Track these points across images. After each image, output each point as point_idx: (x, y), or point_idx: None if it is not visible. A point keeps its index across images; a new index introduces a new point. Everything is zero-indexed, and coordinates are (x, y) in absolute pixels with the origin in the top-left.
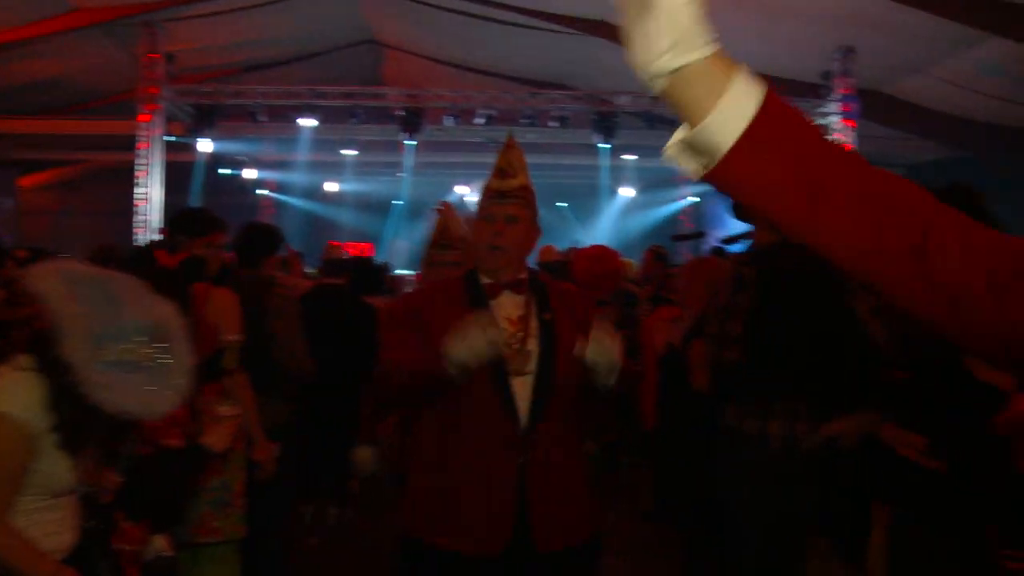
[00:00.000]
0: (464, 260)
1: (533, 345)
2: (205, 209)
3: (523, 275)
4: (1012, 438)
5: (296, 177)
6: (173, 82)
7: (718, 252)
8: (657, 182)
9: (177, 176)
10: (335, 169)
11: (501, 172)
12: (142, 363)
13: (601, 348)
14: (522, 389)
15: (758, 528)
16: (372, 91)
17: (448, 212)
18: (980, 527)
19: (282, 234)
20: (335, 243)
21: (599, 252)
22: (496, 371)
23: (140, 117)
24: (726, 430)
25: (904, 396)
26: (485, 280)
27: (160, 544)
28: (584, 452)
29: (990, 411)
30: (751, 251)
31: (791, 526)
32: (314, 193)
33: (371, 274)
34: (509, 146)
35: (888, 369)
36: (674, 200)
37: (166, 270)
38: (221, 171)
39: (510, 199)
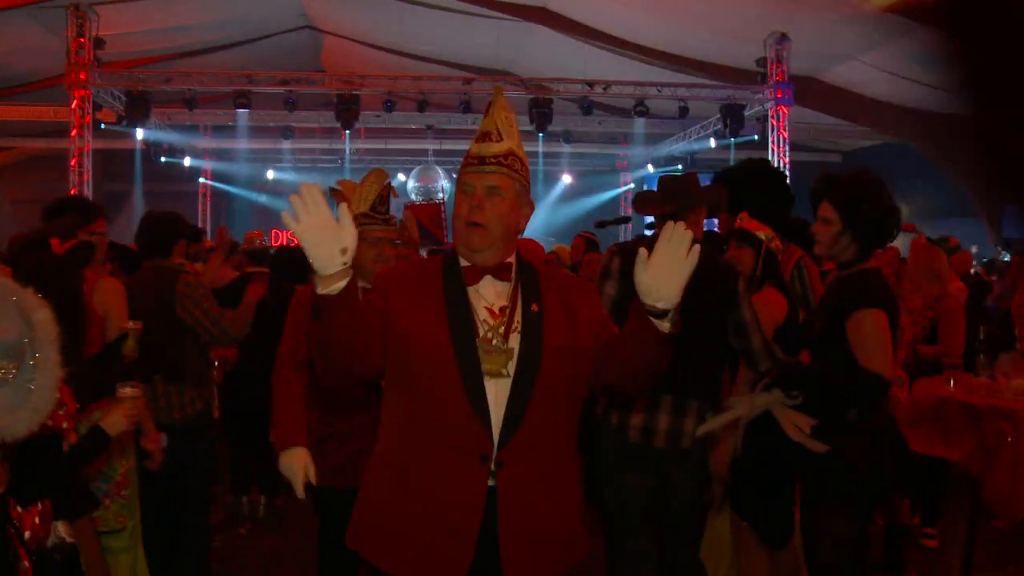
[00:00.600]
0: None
1: (516, 342)
2: (85, 197)
3: (509, 259)
4: (904, 423)
5: (236, 166)
6: (103, 68)
7: (588, 238)
8: (596, 169)
9: (117, 164)
10: (276, 157)
11: (483, 135)
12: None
13: (664, 268)
14: (498, 393)
15: (627, 516)
16: (306, 77)
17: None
18: (868, 508)
19: (184, 222)
20: (256, 232)
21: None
22: (468, 370)
23: (71, 104)
24: (597, 422)
25: (803, 379)
26: (464, 263)
27: (61, 530)
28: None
29: (877, 397)
30: (623, 242)
31: (658, 514)
32: (255, 182)
33: (296, 261)
34: (494, 104)
35: (795, 350)
36: (614, 186)
37: (54, 258)
38: (164, 159)
39: (492, 167)
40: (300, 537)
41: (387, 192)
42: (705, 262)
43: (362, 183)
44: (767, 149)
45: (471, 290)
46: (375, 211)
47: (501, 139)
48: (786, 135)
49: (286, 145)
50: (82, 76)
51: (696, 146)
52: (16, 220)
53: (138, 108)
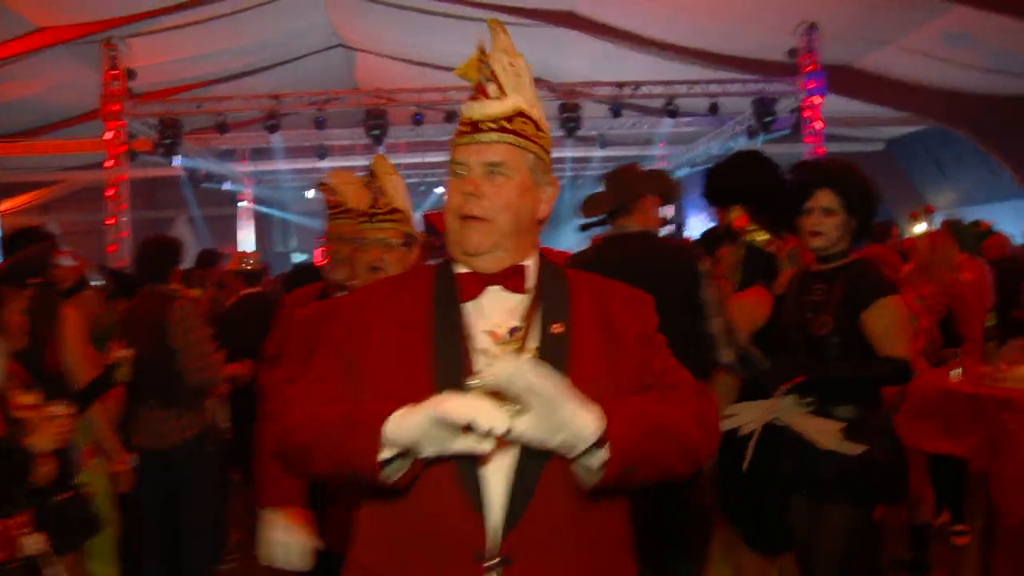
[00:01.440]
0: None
1: None
2: (39, 227)
3: (526, 260)
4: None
5: (276, 188)
6: (138, 98)
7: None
8: None
9: (162, 191)
10: (316, 177)
11: (477, 90)
12: None
13: (537, 410)
14: (499, 459)
15: None
16: (333, 95)
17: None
18: (874, 502)
19: (181, 247)
20: (243, 252)
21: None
22: None
23: (105, 135)
24: None
25: (830, 377)
26: (461, 270)
27: (27, 546)
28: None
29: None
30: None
31: (655, 524)
32: (296, 203)
33: (304, 276)
34: (492, 47)
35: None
36: None
37: None
38: (204, 185)
39: (491, 135)
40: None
41: (384, 184)
42: (661, 247)
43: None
44: (801, 141)
45: (469, 307)
46: (371, 208)
47: (503, 94)
48: (820, 126)
49: (324, 164)
50: (115, 108)
51: (733, 143)
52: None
53: (170, 136)
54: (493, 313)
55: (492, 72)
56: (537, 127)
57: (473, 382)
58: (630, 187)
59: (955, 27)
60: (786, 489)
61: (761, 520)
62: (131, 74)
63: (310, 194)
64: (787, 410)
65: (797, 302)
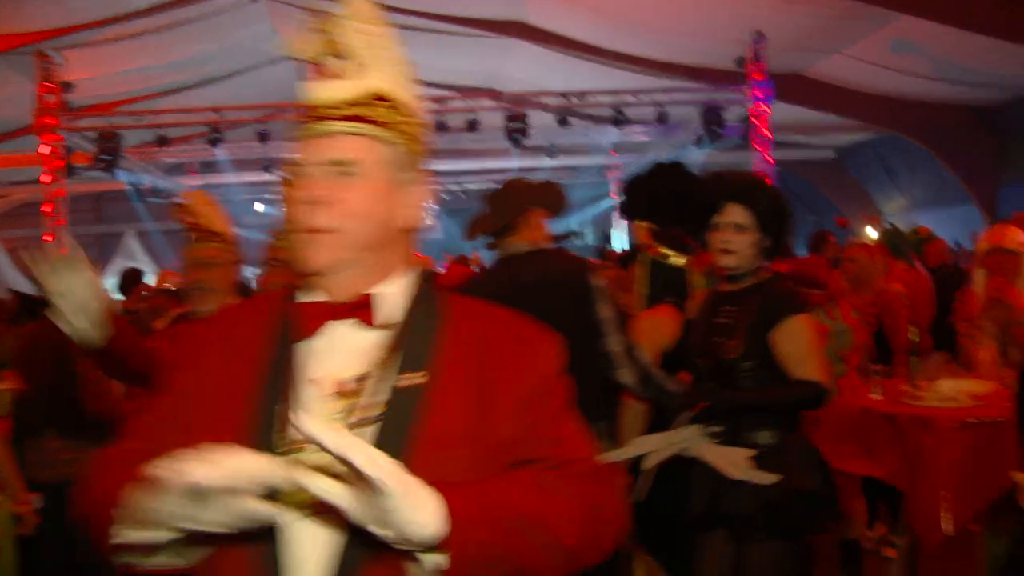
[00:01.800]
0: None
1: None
2: None
3: (387, 285)
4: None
5: (224, 202)
6: (75, 112)
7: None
8: (586, 182)
9: (107, 206)
10: (265, 190)
11: (319, 67)
12: None
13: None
14: (317, 551)
15: None
16: (277, 107)
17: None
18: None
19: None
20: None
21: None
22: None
23: (40, 149)
24: None
25: (739, 405)
26: (312, 297)
27: None
28: None
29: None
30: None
31: None
32: (244, 215)
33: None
34: (345, 16)
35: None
36: (606, 199)
37: None
38: (150, 199)
39: (336, 124)
40: None
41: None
42: (552, 265)
43: None
44: (750, 150)
45: (305, 347)
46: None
47: (352, 71)
48: (769, 134)
49: (273, 177)
50: (51, 121)
51: (683, 153)
52: (11, 268)
53: (110, 151)
54: (336, 354)
55: (337, 45)
56: (402, 112)
57: (287, 445)
58: (512, 203)
59: (900, 36)
60: (700, 526)
61: (678, 552)
62: (68, 87)
63: (259, 207)
64: (692, 440)
65: (707, 326)
